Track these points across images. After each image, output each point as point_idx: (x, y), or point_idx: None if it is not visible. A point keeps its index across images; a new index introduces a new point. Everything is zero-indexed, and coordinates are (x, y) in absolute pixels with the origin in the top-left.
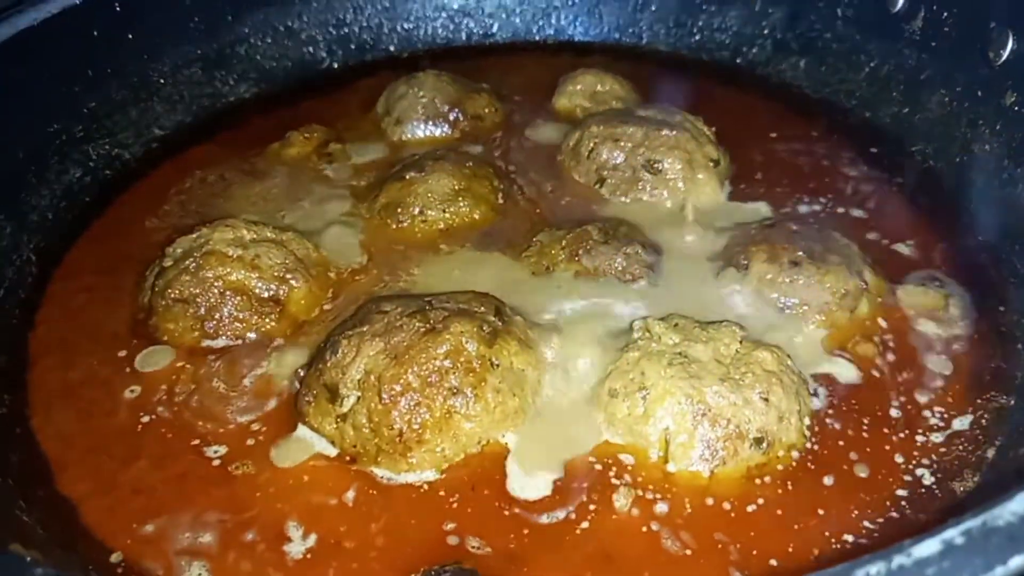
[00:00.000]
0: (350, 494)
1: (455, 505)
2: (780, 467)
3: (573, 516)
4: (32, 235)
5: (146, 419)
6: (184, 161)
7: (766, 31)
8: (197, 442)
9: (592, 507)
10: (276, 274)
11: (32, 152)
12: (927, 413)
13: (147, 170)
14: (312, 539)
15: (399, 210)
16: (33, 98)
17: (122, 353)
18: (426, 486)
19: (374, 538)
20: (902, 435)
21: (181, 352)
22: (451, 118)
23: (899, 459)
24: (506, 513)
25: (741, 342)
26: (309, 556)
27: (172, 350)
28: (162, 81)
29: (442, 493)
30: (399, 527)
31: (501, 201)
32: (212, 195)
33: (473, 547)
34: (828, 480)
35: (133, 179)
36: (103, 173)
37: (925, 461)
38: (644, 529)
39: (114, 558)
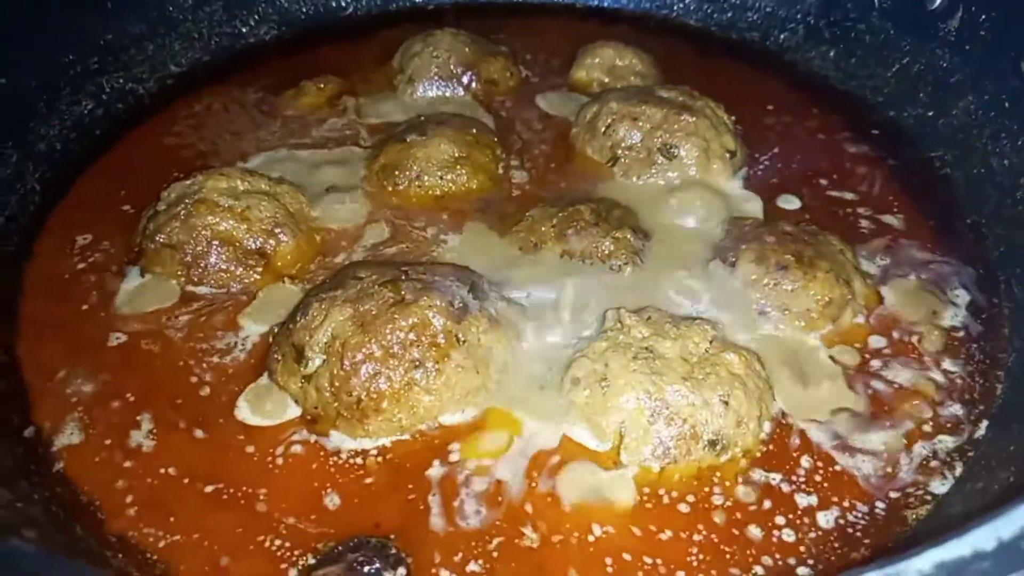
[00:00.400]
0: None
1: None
2: (731, 471)
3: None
4: (38, 165)
5: (130, 358)
6: (197, 100)
7: (799, 15)
8: (175, 389)
9: (533, 489)
10: (265, 227)
11: (45, 81)
12: (890, 434)
13: (160, 106)
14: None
15: (397, 173)
16: (49, 27)
17: (114, 291)
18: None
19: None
20: (860, 456)
21: (169, 296)
22: (464, 80)
23: (849, 484)
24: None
25: (711, 342)
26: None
27: (161, 293)
28: (182, 17)
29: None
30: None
31: (501, 172)
32: (219, 136)
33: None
34: (767, 503)
35: (145, 115)
36: (116, 107)
37: (879, 488)
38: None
39: (84, 499)
